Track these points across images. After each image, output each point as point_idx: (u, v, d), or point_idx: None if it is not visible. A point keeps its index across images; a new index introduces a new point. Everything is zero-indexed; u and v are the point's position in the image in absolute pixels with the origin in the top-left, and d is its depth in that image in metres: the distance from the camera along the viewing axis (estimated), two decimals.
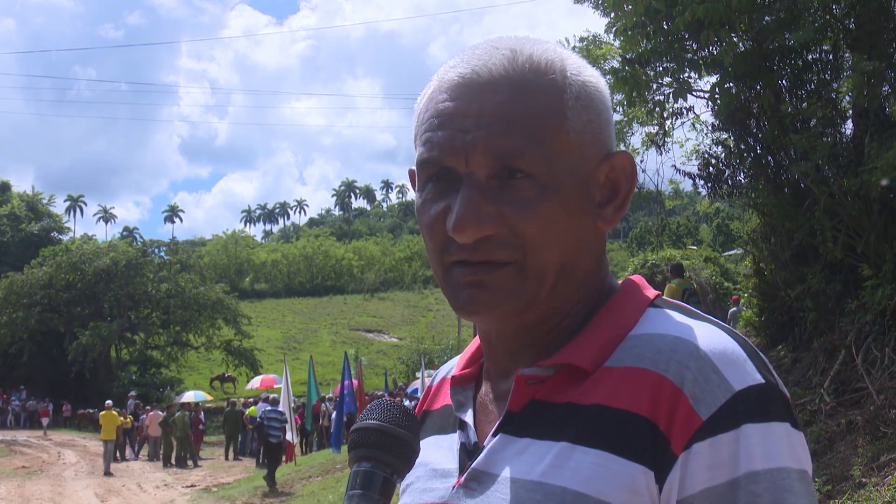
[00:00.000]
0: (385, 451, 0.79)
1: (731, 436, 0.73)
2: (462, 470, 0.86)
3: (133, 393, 31.37)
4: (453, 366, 0.99)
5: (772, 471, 0.73)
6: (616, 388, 0.77)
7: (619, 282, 0.91)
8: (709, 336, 0.78)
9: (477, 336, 0.94)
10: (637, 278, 0.90)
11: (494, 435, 0.84)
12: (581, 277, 0.84)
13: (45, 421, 31.63)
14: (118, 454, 22.19)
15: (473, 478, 0.83)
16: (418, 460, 0.92)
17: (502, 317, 0.83)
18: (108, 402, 21.58)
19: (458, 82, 0.81)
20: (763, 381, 0.76)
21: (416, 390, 23.47)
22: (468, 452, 0.87)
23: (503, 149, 0.78)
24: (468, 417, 0.90)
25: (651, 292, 0.87)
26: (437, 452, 0.91)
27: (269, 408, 16.48)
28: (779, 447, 0.74)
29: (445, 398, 0.97)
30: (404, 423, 0.81)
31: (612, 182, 0.85)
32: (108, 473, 18.20)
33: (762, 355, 0.80)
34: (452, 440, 0.91)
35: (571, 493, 0.75)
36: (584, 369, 0.80)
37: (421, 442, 0.95)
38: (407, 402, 23.97)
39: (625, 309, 0.84)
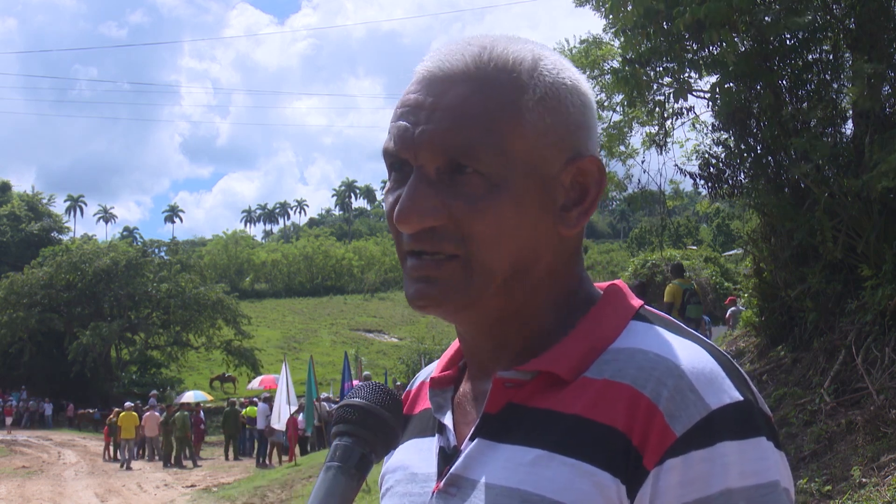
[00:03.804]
0: (366, 429, 0.81)
1: (706, 453, 0.72)
2: (440, 474, 0.85)
3: (154, 392, 31.36)
4: (432, 369, 0.98)
5: (748, 488, 0.72)
6: (595, 401, 0.77)
7: (601, 284, 0.90)
8: (689, 354, 0.78)
9: (457, 339, 0.94)
10: (620, 285, 0.88)
11: (472, 439, 0.84)
12: (541, 279, 0.83)
13: (8, 420, 32.80)
14: (119, 454, 22.32)
15: (452, 483, 0.83)
16: (398, 464, 0.93)
17: (450, 311, 0.83)
18: (128, 403, 23.72)
19: (423, 76, 0.82)
20: (741, 398, 0.75)
21: None
22: (447, 456, 0.87)
23: (452, 143, 0.78)
24: (447, 420, 0.89)
25: (635, 302, 0.86)
26: (417, 456, 0.91)
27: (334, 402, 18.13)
28: (755, 465, 0.73)
29: (425, 402, 0.96)
30: (388, 405, 0.83)
31: (579, 185, 0.84)
32: (128, 468, 19.70)
33: (743, 373, 0.80)
34: (431, 443, 0.90)
35: (549, 501, 0.75)
36: (562, 378, 0.80)
37: (401, 445, 0.94)
38: None
39: (607, 319, 0.84)
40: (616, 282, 0.89)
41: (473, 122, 0.78)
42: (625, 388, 0.76)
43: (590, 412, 0.77)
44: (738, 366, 0.80)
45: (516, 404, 0.82)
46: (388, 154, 0.83)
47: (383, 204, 0.85)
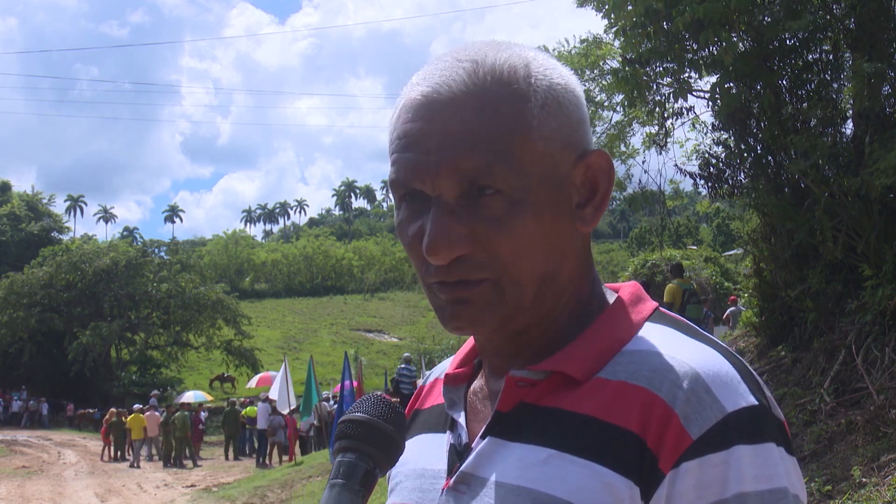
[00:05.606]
0: (370, 444, 0.80)
1: (722, 456, 0.72)
2: (451, 471, 0.86)
3: (155, 392, 31.37)
4: (446, 366, 0.98)
5: (762, 493, 0.72)
6: (608, 402, 0.77)
7: (616, 285, 0.90)
8: (704, 357, 0.78)
9: (472, 336, 0.94)
10: (635, 287, 0.89)
11: (483, 437, 0.84)
12: (566, 281, 0.84)
13: None
14: (119, 454, 22.35)
15: (462, 480, 0.83)
16: (406, 459, 0.92)
17: (488, 330, 0.83)
18: (137, 405, 24.62)
19: (420, 102, 0.80)
20: (756, 403, 0.75)
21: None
22: (458, 453, 0.87)
23: (469, 168, 0.77)
24: (460, 417, 0.89)
25: (649, 305, 0.87)
26: (427, 452, 0.91)
27: (403, 365, 18.21)
28: (770, 469, 0.73)
29: (436, 398, 0.97)
30: (391, 419, 0.82)
31: (590, 182, 0.84)
32: (137, 466, 20.60)
33: (757, 377, 0.79)
34: (442, 440, 0.90)
35: (559, 501, 0.75)
36: (575, 378, 0.80)
37: (410, 440, 0.94)
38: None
39: (622, 321, 0.84)
40: (631, 283, 0.90)
41: (485, 142, 0.77)
42: (640, 391, 0.76)
43: (603, 413, 0.77)
44: (752, 370, 0.80)
45: (528, 403, 0.82)
46: (397, 185, 0.81)
47: (401, 234, 0.83)
